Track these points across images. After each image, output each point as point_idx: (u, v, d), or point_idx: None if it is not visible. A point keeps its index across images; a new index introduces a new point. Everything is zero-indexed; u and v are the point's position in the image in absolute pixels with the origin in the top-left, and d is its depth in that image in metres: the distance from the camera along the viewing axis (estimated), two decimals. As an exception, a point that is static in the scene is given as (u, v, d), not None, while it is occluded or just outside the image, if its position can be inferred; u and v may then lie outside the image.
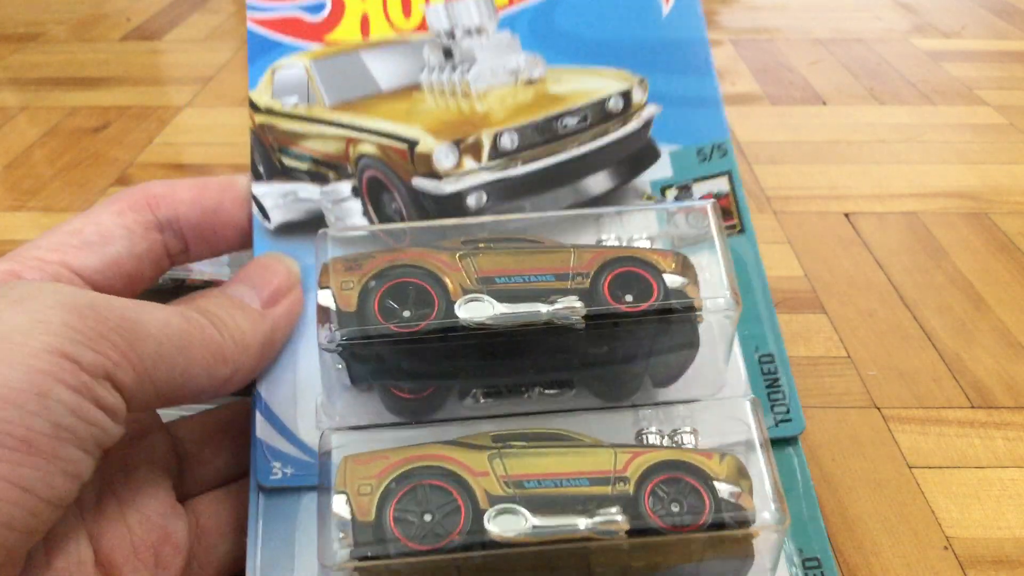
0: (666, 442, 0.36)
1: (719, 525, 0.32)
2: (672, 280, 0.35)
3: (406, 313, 0.34)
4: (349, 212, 0.41)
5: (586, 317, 0.34)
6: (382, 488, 0.32)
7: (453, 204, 0.40)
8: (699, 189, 0.42)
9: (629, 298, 0.35)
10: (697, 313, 0.35)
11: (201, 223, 0.39)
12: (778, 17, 1.25)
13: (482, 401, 0.37)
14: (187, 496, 0.39)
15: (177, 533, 0.37)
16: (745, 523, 0.32)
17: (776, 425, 0.38)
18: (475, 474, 0.32)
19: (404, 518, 0.32)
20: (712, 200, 0.39)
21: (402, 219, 0.40)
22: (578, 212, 0.39)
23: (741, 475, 0.34)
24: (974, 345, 0.59)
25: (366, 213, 0.41)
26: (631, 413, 0.37)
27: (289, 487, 0.37)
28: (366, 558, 0.31)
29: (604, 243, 0.38)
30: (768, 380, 0.39)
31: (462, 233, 0.38)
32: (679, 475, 0.33)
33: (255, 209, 0.40)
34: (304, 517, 0.36)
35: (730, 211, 0.42)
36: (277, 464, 0.37)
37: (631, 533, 0.32)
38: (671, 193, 0.42)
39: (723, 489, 0.33)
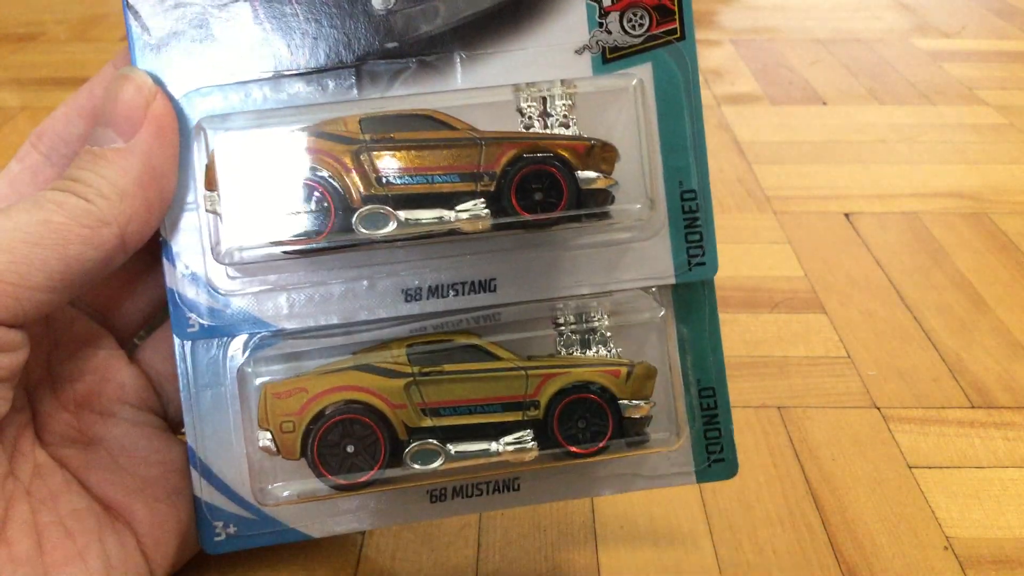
0: (577, 329, 0.38)
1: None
2: (585, 177, 0.35)
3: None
4: (238, 21, 0.35)
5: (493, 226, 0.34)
6: (304, 426, 0.35)
7: (357, 1, 0.35)
8: None
9: (539, 196, 0.35)
10: (607, 214, 0.35)
11: (89, 128, 0.36)
12: (778, 17, 1.25)
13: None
14: (180, 424, 0.39)
15: (179, 461, 0.38)
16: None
17: (690, 268, 0.37)
18: (393, 406, 0.35)
19: (328, 454, 0.35)
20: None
21: (300, 29, 0.35)
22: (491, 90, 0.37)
23: (647, 379, 0.37)
24: (974, 345, 0.59)
25: (259, 22, 0.35)
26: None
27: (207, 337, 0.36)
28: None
29: (524, 115, 0.36)
30: (688, 219, 0.37)
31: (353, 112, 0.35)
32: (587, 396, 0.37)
33: (132, 22, 0.35)
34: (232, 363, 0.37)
35: (670, 9, 0.35)
36: (193, 315, 0.36)
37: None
38: None
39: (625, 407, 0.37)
